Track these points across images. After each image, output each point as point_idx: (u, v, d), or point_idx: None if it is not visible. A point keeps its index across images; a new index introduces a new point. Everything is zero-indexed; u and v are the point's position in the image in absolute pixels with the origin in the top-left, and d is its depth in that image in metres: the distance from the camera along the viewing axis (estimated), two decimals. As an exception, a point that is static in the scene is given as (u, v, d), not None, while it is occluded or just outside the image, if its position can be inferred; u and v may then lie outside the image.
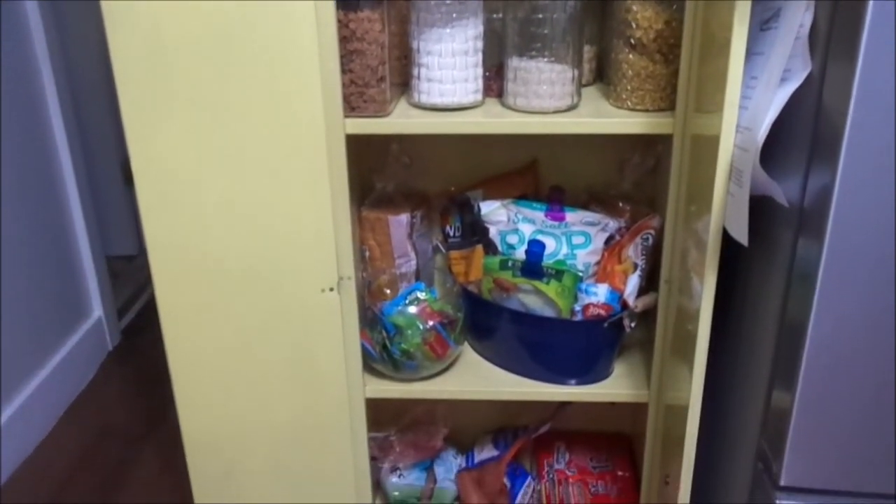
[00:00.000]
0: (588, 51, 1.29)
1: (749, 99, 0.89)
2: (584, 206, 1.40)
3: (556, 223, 1.34)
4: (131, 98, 1.15)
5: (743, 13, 0.87)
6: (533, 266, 1.30)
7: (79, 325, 2.34)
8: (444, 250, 1.47)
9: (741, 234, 0.87)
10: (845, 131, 0.77)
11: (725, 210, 0.92)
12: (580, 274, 1.30)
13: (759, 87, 0.86)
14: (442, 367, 1.37)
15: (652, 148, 1.36)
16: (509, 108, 1.22)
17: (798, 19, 0.81)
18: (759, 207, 0.89)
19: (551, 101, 1.19)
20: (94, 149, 2.60)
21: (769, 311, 1.00)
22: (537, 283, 1.29)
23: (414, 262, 1.42)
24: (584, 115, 1.20)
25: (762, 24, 0.90)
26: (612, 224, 1.34)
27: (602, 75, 1.35)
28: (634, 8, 1.16)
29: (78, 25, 2.62)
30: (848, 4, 0.75)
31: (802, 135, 0.85)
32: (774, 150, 0.87)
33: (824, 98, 0.81)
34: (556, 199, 1.39)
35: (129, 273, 2.68)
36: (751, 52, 0.90)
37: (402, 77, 1.27)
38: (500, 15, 1.23)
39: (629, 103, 1.20)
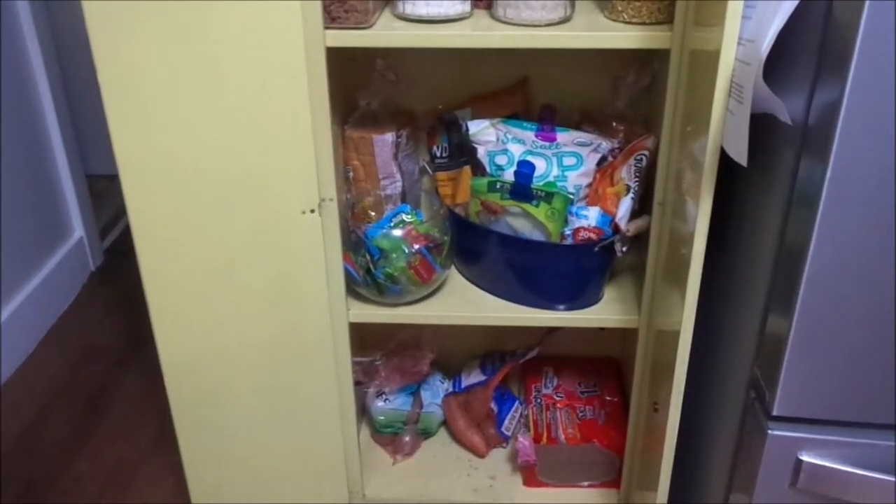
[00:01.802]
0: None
1: (752, 9, 0.83)
2: (577, 126, 1.35)
3: (546, 143, 1.29)
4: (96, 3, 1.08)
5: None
6: (522, 188, 1.25)
7: (59, 246, 2.30)
8: (430, 171, 1.41)
9: (740, 154, 0.83)
10: (856, 45, 0.71)
11: (724, 129, 0.87)
12: (571, 196, 1.26)
13: (758, 11, 0.80)
14: (427, 292, 1.33)
15: (648, 65, 1.30)
16: (499, 20, 1.15)
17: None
18: (759, 126, 0.84)
19: (543, 12, 1.12)
20: (71, 62, 2.51)
21: (767, 234, 0.96)
22: (526, 206, 1.25)
23: (400, 184, 1.37)
24: (578, 29, 1.14)
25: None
26: (605, 144, 1.29)
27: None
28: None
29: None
30: None
31: (809, 48, 0.79)
32: (777, 63, 0.82)
33: (834, 9, 0.75)
34: (547, 119, 1.34)
35: (111, 192, 2.62)
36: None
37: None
38: (491, -81, 1.15)
39: (625, 16, 1.14)
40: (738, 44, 0.85)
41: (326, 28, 1.11)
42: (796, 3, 0.76)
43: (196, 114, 1.14)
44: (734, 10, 0.85)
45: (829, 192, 0.78)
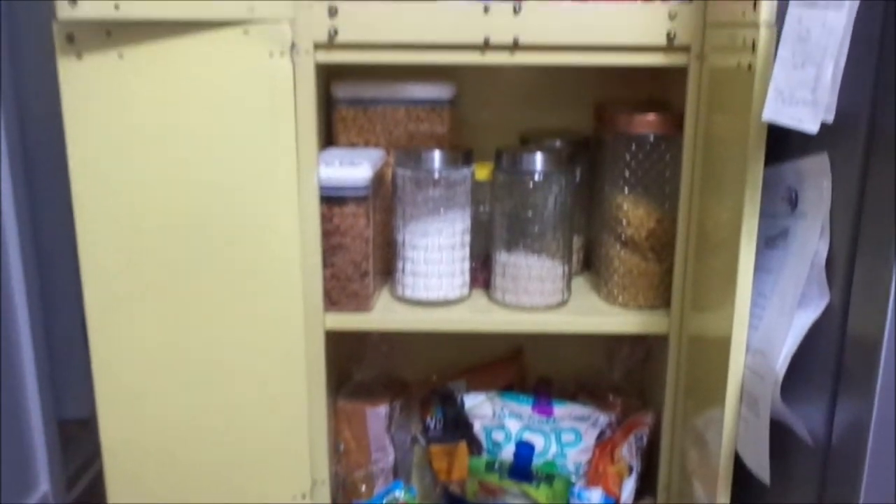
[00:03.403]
0: (576, 241, 1.26)
1: (759, 319, 0.84)
2: (573, 398, 1.33)
3: (544, 418, 1.27)
4: (96, 286, 1.07)
5: (750, 230, 0.84)
6: (521, 469, 1.21)
7: (23, 500, 2.17)
8: (423, 443, 1.38)
9: (761, 468, 0.81)
10: (879, 366, 0.71)
11: (738, 436, 0.86)
12: (572, 478, 1.22)
13: (772, 310, 0.82)
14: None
15: (642, 339, 1.31)
16: (497, 302, 1.17)
17: (812, 245, 0.77)
18: (776, 435, 0.82)
19: (541, 297, 1.14)
20: (54, 304, 2.50)
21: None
22: (526, 488, 1.21)
23: (392, 458, 1.33)
24: (575, 313, 1.15)
25: (767, 240, 0.86)
26: (603, 419, 1.27)
27: (589, 264, 1.31)
28: (625, 206, 1.13)
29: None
30: (873, 234, 0.72)
31: (824, 363, 0.79)
32: (789, 374, 0.82)
33: (850, 328, 0.76)
34: (543, 392, 1.33)
35: (81, 439, 2.53)
36: (756, 268, 0.86)
37: (386, 264, 1.22)
38: (488, 208, 1.20)
39: (621, 300, 1.16)
40: (747, 352, 0.85)
41: (327, 311, 1.12)
42: (812, 319, 0.77)
43: (189, 400, 1.12)
44: (741, 319, 0.86)
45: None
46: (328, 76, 1.19)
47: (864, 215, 0.74)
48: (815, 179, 0.78)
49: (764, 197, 0.84)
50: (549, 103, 1.32)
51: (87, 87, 0.96)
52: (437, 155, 1.13)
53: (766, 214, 0.85)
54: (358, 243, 1.11)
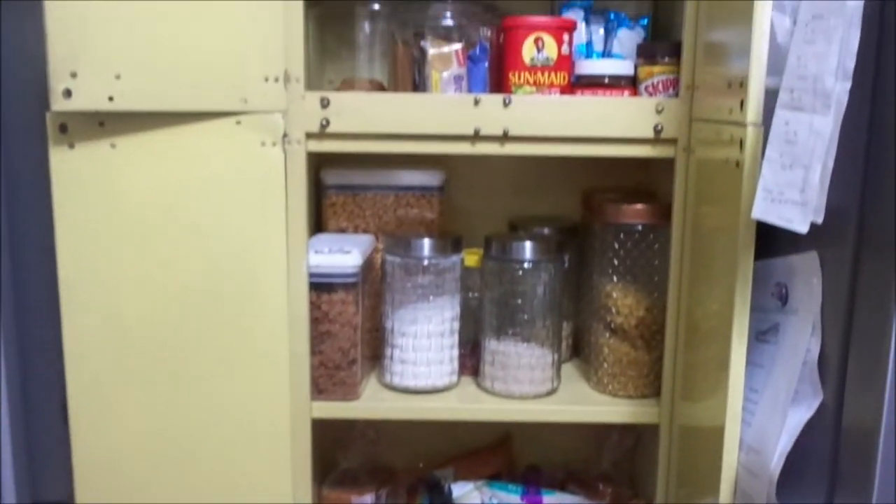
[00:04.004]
0: (565, 327, 1.25)
1: (752, 415, 0.84)
2: (562, 486, 1.31)
3: (533, 508, 1.25)
4: (79, 368, 1.04)
5: (741, 323, 0.85)
6: (511, 562, 1.18)
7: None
8: (410, 534, 1.35)
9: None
10: (876, 465, 0.70)
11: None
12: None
13: (765, 406, 0.81)
14: None
15: (631, 427, 1.30)
16: (486, 390, 1.16)
17: (804, 343, 0.77)
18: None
19: (531, 386, 1.13)
20: (34, 383, 2.45)
21: None
22: (516, 582, 1.18)
23: (377, 548, 1.29)
24: (565, 402, 1.15)
25: (758, 334, 0.86)
26: (593, 509, 1.25)
27: (579, 350, 1.30)
28: (614, 294, 1.13)
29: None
30: (865, 332, 0.72)
31: (819, 461, 0.79)
32: (783, 472, 0.81)
33: (845, 425, 0.75)
34: (532, 481, 1.31)
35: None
36: (747, 362, 0.86)
37: (373, 350, 1.21)
38: (477, 294, 1.19)
39: (610, 388, 1.15)
40: (740, 449, 0.85)
41: (314, 400, 1.10)
42: (806, 418, 0.77)
43: (171, 493, 1.09)
44: (734, 414, 0.86)
45: None
46: (318, 162, 1.20)
47: (855, 313, 0.74)
48: (806, 276, 0.79)
49: (754, 291, 0.84)
50: (538, 190, 1.34)
51: (78, 176, 0.96)
52: (426, 242, 1.13)
53: (756, 308, 0.85)
54: (346, 331, 1.10)
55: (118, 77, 0.91)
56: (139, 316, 1.02)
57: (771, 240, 0.84)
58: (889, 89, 0.69)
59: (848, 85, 0.68)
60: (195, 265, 1.02)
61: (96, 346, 1.03)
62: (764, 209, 0.76)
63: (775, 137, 0.75)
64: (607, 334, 1.15)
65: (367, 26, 1.19)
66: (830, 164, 0.70)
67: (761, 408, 0.83)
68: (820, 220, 0.71)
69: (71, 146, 0.95)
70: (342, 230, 1.23)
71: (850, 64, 0.68)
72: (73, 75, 0.89)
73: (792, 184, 0.72)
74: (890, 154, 0.69)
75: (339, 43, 1.23)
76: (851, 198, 0.74)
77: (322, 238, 1.17)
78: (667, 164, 1.07)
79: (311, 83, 1.09)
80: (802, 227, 0.72)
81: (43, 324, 1.42)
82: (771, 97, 0.79)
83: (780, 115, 0.75)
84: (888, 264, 0.69)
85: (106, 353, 1.04)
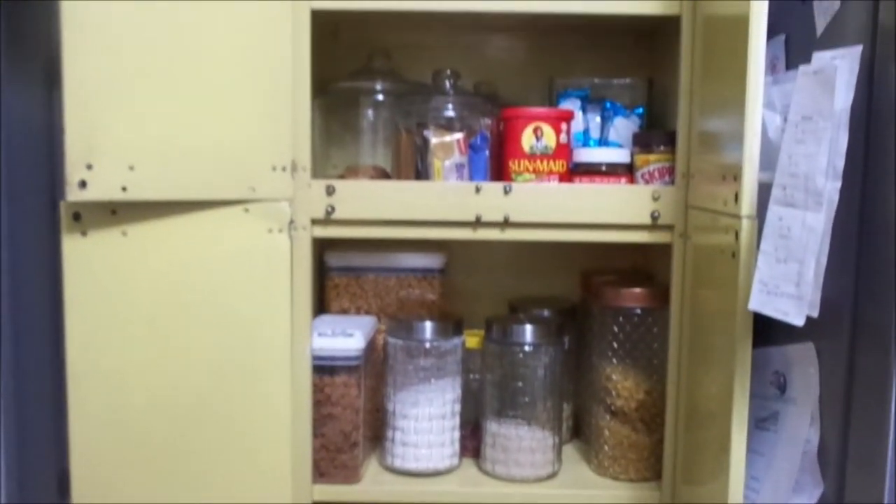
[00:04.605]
0: (565, 408, 1.26)
1: (755, 492, 0.85)
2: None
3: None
4: (84, 456, 1.03)
5: (740, 410, 0.86)
6: None
7: None
8: None
9: None
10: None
11: None
12: None
13: (766, 495, 0.82)
14: None
15: None
16: (487, 474, 1.16)
17: (803, 433, 0.78)
18: None
19: (532, 469, 1.14)
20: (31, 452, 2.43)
21: None
22: None
23: None
24: (566, 485, 1.15)
25: (757, 421, 0.88)
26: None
27: (580, 431, 1.31)
28: (614, 377, 1.15)
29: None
30: (863, 422, 0.73)
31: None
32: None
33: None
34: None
35: None
36: (748, 449, 0.87)
37: (374, 430, 1.21)
38: (478, 375, 1.21)
39: (611, 471, 1.16)
40: None
41: (315, 483, 1.10)
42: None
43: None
44: (735, 502, 0.86)
45: None
46: (322, 244, 1.22)
47: (853, 404, 0.76)
48: (803, 367, 0.81)
49: (753, 378, 0.85)
50: (537, 271, 1.36)
51: (89, 263, 0.97)
52: (427, 325, 1.15)
53: (755, 395, 0.87)
54: (348, 413, 1.11)
55: (132, 168, 0.93)
56: (145, 401, 1.03)
57: (769, 327, 0.85)
58: (879, 187, 0.72)
59: (838, 184, 0.71)
60: (201, 350, 1.03)
61: (100, 429, 1.03)
62: (760, 301, 0.78)
63: (770, 231, 0.78)
64: (608, 417, 1.15)
65: (370, 114, 1.23)
66: (824, 260, 0.72)
67: (763, 496, 0.84)
68: (815, 314, 0.73)
69: (83, 234, 0.97)
70: (345, 311, 1.25)
71: (840, 164, 0.71)
72: (89, 167, 0.91)
73: (787, 277, 0.74)
74: (884, 247, 0.72)
75: (343, 129, 1.26)
76: (846, 290, 0.76)
77: (325, 320, 1.18)
78: (664, 247, 1.10)
79: (317, 168, 1.13)
80: (798, 321, 0.73)
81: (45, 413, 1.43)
82: (764, 190, 0.82)
83: (773, 210, 0.78)
84: (884, 356, 0.71)
85: (110, 435, 1.04)
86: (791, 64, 0.88)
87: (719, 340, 0.93)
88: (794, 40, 0.88)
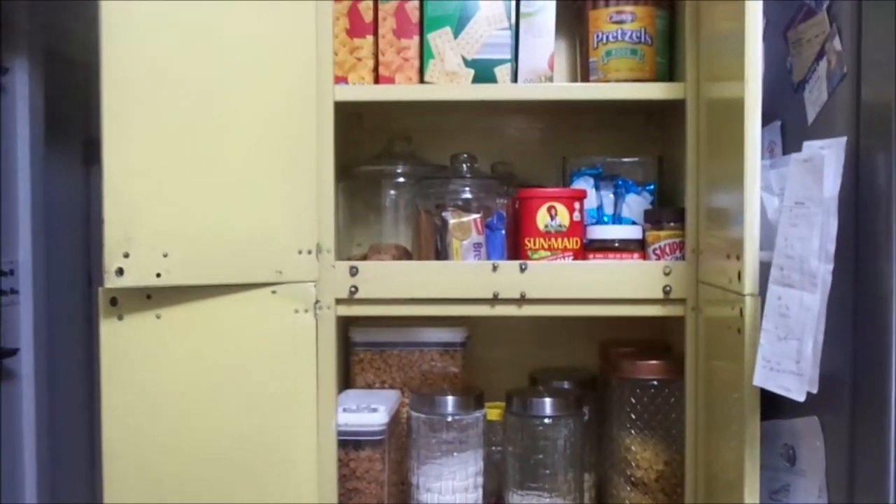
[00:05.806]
0: (587, 478, 1.28)
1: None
2: None
3: None
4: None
5: (752, 483, 0.87)
6: None
7: None
8: None
9: None
10: None
11: None
12: None
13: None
14: None
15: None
16: (511, 538, 1.18)
17: (812, 498, 0.80)
18: None
19: (553, 533, 1.15)
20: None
21: None
22: None
23: None
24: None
25: (771, 493, 0.90)
26: None
27: (601, 500, 1.32)
28: (633, 448, 1.17)
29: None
30: (867, 493, 0.75)
31: None
32: None
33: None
34: None
35: None
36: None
37: (399, 502, 1.24)
38: (499, 447, 1.23)
39: (631, 540, 1.17)
40: None
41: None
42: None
43: None
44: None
45: None
46: (346, 321, 1.26)
47: (856, 472, 0.78)
48: (809, 440, 0.83)
49: (764, 450, 0.88)
50: (557, 343, 1.39)
51: (125, 346, 1.03)
52: (450, 399, 1.18)
53: (767, 467, 0.89)
54: (373, 487, 1.14)
55: (166, 255, 0.99)
56: (176, 475, 1.07)
57: (777, 400, 0.88)
58: (871, 266, 0.76)
59: (830, 267, 0.75)
60: (230, 426, 1.07)
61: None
62: (764, 377, 0.80)
63: (770, 310, 0.81)
64: (628, 488, 1.17)
65: (392, 195, 1.28)
66: (820, 338, 0.75)
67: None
68: (815, 391, 0.76)
69: (120, 318, 1.02)
70: (369, 385, 1.29)
71: (831, 248, 0.74)
72: (126, 255, 0.97)
73: (788, 355, 0.77)
74: (879, 322, 0.74)
75: (367, 209, 1.32)
76: (844, 365, 0.79)
77: (350, 395, 1.22)
78: (679, 319, 1.13)
79: (341, 245, 1.18)
80: (800, 396, 0.76)
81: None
82: (766, 268, 0.85)
83: (773, 289, 0.81)
84: (883, 429, 0.73)
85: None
86: (787, 149, 0.92)
87: (733, 410, 0.95)
88: (790, 127, 0.92)
